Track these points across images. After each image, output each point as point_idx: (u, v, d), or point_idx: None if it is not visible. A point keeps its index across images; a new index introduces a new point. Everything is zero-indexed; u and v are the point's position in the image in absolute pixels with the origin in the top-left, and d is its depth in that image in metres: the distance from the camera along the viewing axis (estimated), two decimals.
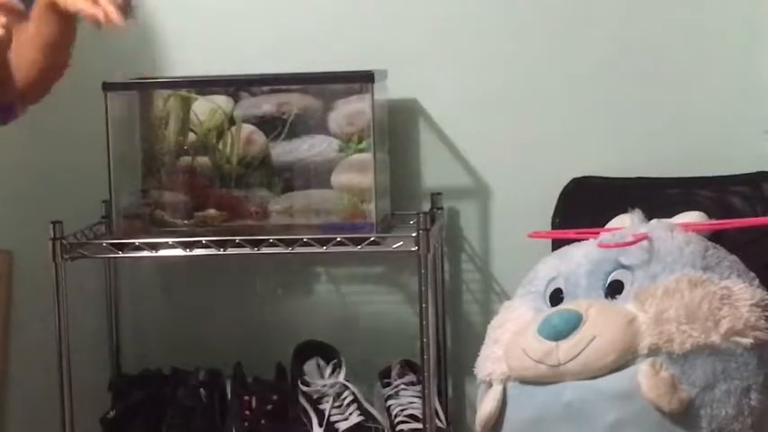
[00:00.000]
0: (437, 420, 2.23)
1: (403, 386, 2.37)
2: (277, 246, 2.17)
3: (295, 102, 2.27)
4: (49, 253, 2.17)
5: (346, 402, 2.31)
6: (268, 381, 2.40)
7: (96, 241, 2.26)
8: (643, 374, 1.83)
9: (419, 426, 2.22)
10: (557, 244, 2.19)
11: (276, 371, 2.42)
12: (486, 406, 1.98)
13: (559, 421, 1.90)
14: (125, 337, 2.52)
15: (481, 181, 2.45)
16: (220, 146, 2.28)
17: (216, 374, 2.41)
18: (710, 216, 2.14)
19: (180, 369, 2.42)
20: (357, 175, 2.24)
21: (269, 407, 2.33)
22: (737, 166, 2.32)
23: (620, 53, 2.40)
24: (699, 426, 1.83)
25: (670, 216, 2.12)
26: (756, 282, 1.97)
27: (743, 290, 1.91)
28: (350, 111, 2.26)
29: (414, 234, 2.13)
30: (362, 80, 2.23)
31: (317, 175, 2.26)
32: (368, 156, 2.24)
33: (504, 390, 1.97)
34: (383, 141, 2.33)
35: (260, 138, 2.27)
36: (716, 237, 2.06)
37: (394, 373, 2.39)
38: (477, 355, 2.07)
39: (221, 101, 2.29)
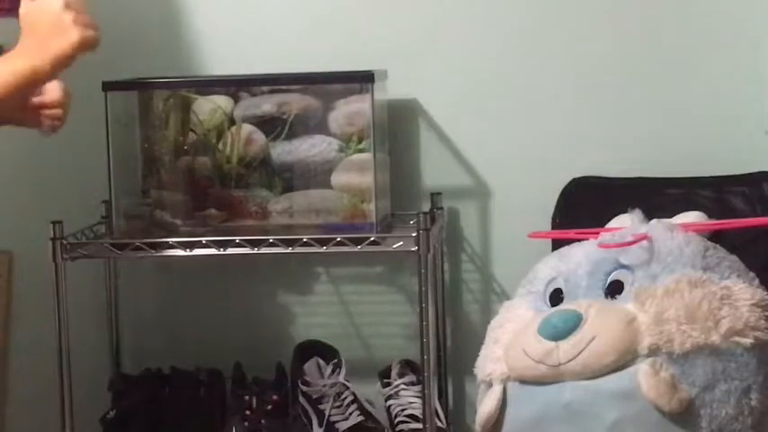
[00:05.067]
0: (437, 420, 2.23)
1: (403, 386, 2.37)
2: (277, 246, 2.17)
3: (295, 102, 2.27)
4: (49, 253, 2.17)
5: (346, 402, 2.31)
6: (268, 381, 2.40)
7: (96, 241, 2.26)
8: (643, 374, 1.83)
9: (419, 426, 2.22)
10: (557, 244, 2.19)
11: (276, 371, 2.42)
12: (486, 406, 1.98)
13: (559, 421, 1.90)
14: (125, 337, 2.52)
15: (481, 181, 2.45)
16: (220, 146, 2.28)
17: (216, 374, 2.41)
18: (710, 216, 2.14)
19: (180, 369, 2.42)
20: (357, 175, 2.24)
21: (269, 407, 2.33)
22: (737, 166, 2.32)
23: (620, 53, 2.40)
24: (699, 426, 1.83)
25: (670, 216, 2.12)
26: (756, 282, 1.97)
27: (743, 290, 1.91)
28: (350, 111, 2.26)
29: (414, 234, 2.13)
30: (362, 80, 2.23)
31: (316, 175, 2.26)
32: (368, 156, 2.24)
33: (504, 390, 1.97)
34: (383, 141, 2.33)
35: (260, 138, 2.28)
36: (716, 237, 2.06)
37: (394, 373, 2.39)
38: (477, 355, 2.07)
39: (221, 101, 2.29)
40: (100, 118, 2.25)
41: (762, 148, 2.34)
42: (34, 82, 1.89)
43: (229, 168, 2.28)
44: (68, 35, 1.85)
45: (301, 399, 2.33)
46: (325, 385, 2.32)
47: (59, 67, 1.87)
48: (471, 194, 2.45)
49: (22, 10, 1.91)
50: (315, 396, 2.32)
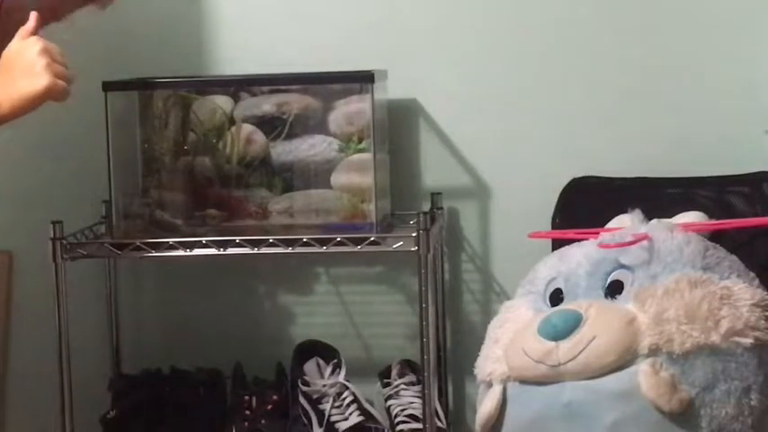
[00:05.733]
0: (437, 420, 2.23)
1: (403, 386, 2.37)
2: (277, 246, 2.16)
3: (295, 102, 2.27)
4: (49, 253, 2.17)
5: (346, 402, 2.31)
6: (268, 381, 2.40)
7: (96, 241, 2.26)
8: (643, 374, 1.83)
9: (419, 426, 2.22)
10: (557, 244, 2.19)
11: (276, 371, 2.42)
12: (486, 406, 1.98)
13: (559, 421, 1.90)
14: (125, 337, 2.52)
15: (481, 181, 2.45)
16: (220, 146, 2.28)
17: (216, 374, 2.41)
18: (710, 216, 2.14)
19: (180, 369, 2.42)
20: (357, 175, 2.24)
21: (269, 407, 2.33)
22: (737, 166, 2.32)
23: (620, 53, 2.40)
24: (699, 426, 1.83)
25: (670, 216, 2.12)
26: (756, 282, 1.97)
27: (743, 290, 1.91)
28: (350, 111, 2.26)
29: (414, 234, 2.12)
30: (362, 80, 2.23)
31: (317, 175, 2.26)
32: (368, 156, 2.24)
33: (504, 390, 1.97)
34: (383, 141, 2.33)
35: (260, 138, 2.27)
36: (716, 237, 2.06)
37: (394, 373, 2.39)
38: (477, 355, 2.07)
39: (221, 101, 2.29)
40: (100, 118, 2.25)
41: (762, 148, 2.34)
42: None
43: (229, 168, 2.27)
44: (37, 80, 1.82)
45: (301, 399, 2.33)
46: (325, 385, 2.32)
47: (21, 109, 1.85)
48: (471, 194, 2.45)
49: (7, 48, 1.89)
50: (315, 396, 2.32)
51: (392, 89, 2.37)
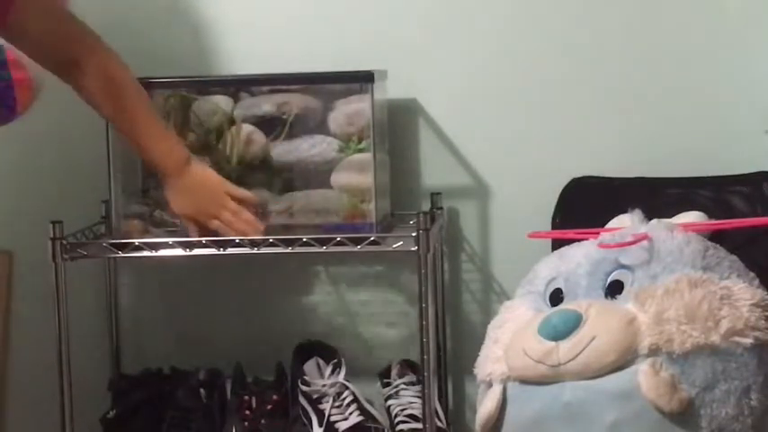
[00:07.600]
0: (437, 420, 2.23)
1: (403, 386, 2.37)
2: (277, 246, 2.16)
3: (295, 102, 2.27)
4: (49, 253, 2.16)
5: (346, 402, 2.31)
6: (268, 381, 2.40)
7: (96, 241, 2.26)
8: (643, 374, 1.83)
9: (419, 426, 2.22)
10: (557, 244, 2.19)
11: (276, 371, 2.42)
12: (486, 406, 1.98)
13: (559, 421, 1.90)
14: (125, 337, 2.52)
15: (481, 181, 2.45)
16: (220, 146, 2.27)
17: (216, 374, 2.41)
18: (710, 216, 2.14)
19: (180, 369, 2.42)
20: (357, 175, 2.24)
21: (269, 407, 2.33)
22: (737, 166, 2.32)
23: (620, 53, 2.40)
24: (699, 426, 1.83)
25: (670, 216, 2.12)
26: (756, 282, 1.97)
27: (743, 290, 1.91)
28: (350, 111, 2.26)
29: (414, 234, 2.12)
30: (362, 80, 2.23)
31: (317, 175, 2.26)
32: (368, 156, 2.24)
33: (504, 390, 1.97)
34: (383, 141, 2.33)
35: (260, 138, 2.27)
36: (716, 237, 2.06)
37: (394, 373, 2.39)
38: (477, 355, 2.07)
39: (221, 101, 2.29)
40: (100, 118, 2.24)
41: (762, 148, 2.34)
42: (141, 153, 2.16)
43: (229, 168, 2.27)
44: (204, 218, 2.15)
45: (301, 399, 2.33)
46: (324, 385, 2.32)
47: (143, 151, 2.14)
48: (471, 194, 2.45)
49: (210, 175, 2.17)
50: (315, 396, 2.32)
51: (392, 89, 2.37)
